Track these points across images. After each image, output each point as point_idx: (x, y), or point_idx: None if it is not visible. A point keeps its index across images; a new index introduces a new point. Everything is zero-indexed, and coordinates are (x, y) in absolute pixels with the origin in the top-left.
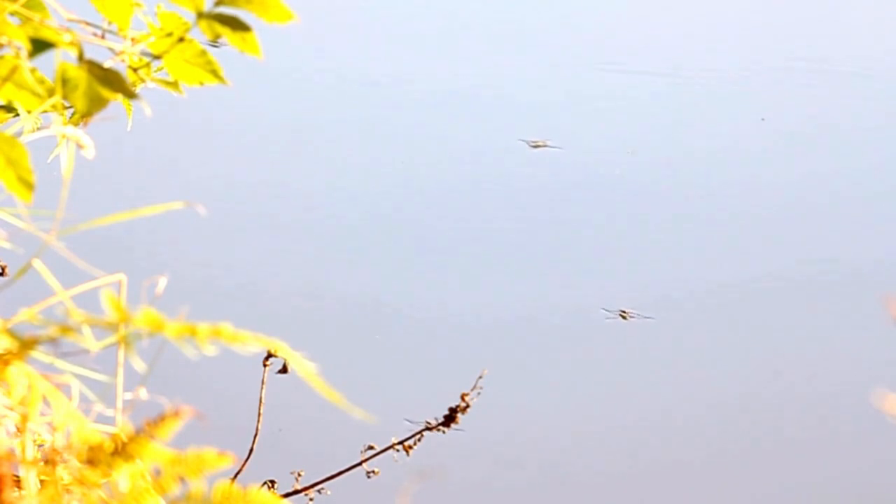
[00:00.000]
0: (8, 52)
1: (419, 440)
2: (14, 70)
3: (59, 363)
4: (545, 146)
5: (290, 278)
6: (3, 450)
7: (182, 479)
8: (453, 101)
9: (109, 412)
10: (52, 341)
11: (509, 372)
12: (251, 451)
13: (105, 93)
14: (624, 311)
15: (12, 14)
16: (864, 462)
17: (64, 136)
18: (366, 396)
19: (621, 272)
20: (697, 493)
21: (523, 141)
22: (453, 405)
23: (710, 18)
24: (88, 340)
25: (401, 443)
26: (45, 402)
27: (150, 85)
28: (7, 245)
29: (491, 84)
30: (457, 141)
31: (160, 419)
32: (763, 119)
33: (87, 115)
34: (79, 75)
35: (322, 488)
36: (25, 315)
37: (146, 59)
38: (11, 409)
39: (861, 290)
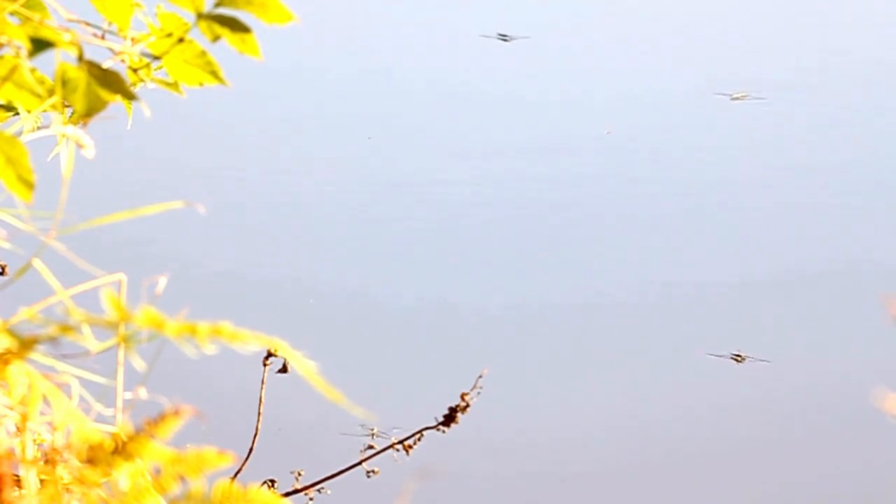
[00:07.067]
0: (8, 52)
1: (419, 440)
2: (14, 70)
3: (59, 363)
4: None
5: (289, 277)
6: (3, 449)
7: (182, 479)
8: (454, 99)
9: (109, 411)
10: (52, 341)
11: (509, 371)
12: (251, 450)
13: (104, 94)
14: (738, 355)
15: (12, 14)
16: (864, 462)
17: (64, 136)
18: (366, 395)
19: (620, 270)
20: (698, 492)
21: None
22: (453, 405)
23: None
24: (88, 340)
25: (401, 442)
26: (45, 401)
27: (151, 85)
28: (7, 245)
29: (489, 82)
30: (456, 139)
31: (160, 418)
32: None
33: (86, 115)
34: (78, 76)
35: (322, 488)
36: (25, 315)
37: (146, 60)
38: (11, 408)
39: (861, 290)
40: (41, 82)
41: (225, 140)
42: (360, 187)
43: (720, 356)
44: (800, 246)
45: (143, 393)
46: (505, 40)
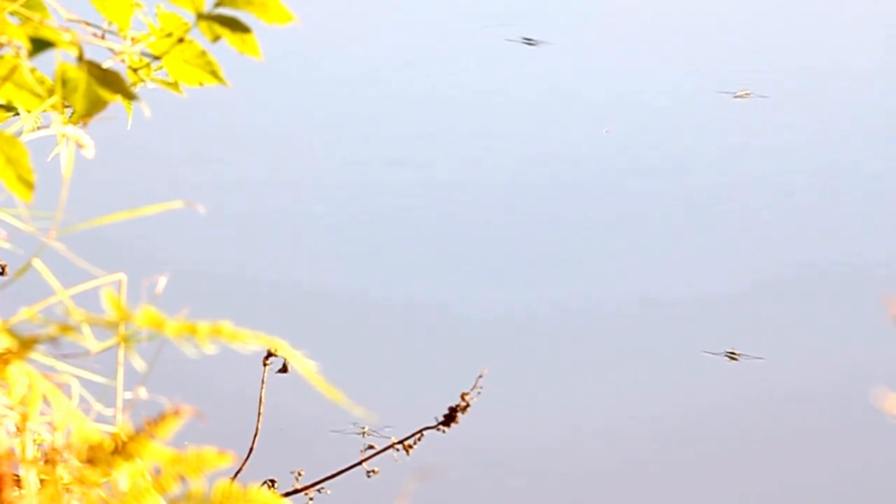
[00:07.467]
0: (8, 52)
1: (419, 440)
2: (14, 70)
3: (59, 363)
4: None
5: (289, 277)
6: (3, 449)
7: (182, 478)
8: (453, 100)
9: (109, 411)
10: (52, 341)
11: (509, 371)
12: (251, 450)
13: (104, 94)
14: (733, 353)
15: (12, 14)
16: (863, 462)
17: (64, 136)
18: (366, 395)
19: (619, 270)
20: (696, 492)
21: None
22: (453, 405)
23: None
24: (88, 340)
25: (401, 442)
26: (45, 401)
27: (151, 85)
28: (7, 245)
29: (488, 83)
30: (455, 139)
31: (160, 418)
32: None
33: (86, 115)
34: (78, 76)
35: (322, 488)
36: (25, 314)
37: (146, 60)
38: (11, 408)
39: (861, 290)
40: (41, 82)
41: (225, 140)
42: (360, 187)
43: (716, 354)
44: (800, 246)
45: (143, 393)
46: (531, 44)
